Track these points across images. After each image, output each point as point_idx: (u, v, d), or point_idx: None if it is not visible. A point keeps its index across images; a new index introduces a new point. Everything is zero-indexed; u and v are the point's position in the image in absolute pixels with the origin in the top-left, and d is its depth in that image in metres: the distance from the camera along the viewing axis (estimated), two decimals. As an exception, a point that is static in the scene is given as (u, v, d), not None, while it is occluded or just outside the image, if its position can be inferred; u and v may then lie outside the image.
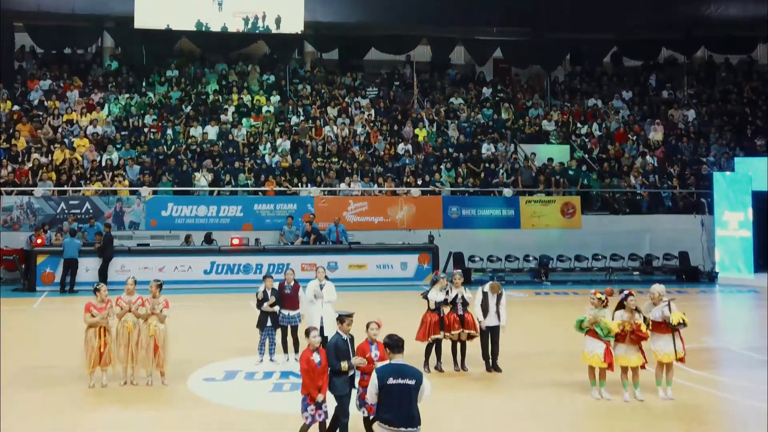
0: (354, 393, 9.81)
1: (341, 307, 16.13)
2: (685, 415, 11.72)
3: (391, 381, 7.94)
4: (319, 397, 9.52)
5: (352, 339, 9.96)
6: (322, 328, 14.07)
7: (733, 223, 27.20)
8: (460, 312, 14.17)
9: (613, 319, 12.29)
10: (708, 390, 13.08)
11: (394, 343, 8.28)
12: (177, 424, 11.21)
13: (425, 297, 14.22)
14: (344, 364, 9.60)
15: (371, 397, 8.15)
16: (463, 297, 14.19)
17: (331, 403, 9.78)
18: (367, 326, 9.99)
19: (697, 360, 14.49)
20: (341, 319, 10.02)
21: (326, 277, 14.87)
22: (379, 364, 8.70)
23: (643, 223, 28.94)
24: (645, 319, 12.37)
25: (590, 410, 11.96)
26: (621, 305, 12.37)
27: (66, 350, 14.64)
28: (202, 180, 27.66)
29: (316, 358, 9.58)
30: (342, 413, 9.69)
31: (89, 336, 12.85)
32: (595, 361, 12.26)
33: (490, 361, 14.18)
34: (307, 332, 9.87)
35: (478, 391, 13.12)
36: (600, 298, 12.39)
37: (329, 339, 9.99)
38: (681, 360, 12.45)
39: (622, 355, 12.24)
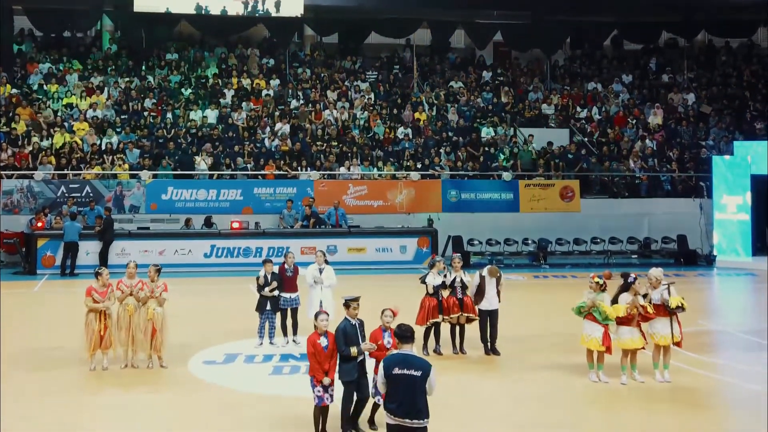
0: (370, 380, 9.80)
1: (341, 290, 16.23)
2: (683, 398, 11.81)
3: (396, 371, 7.83)
4: (326, 381, 9.53)
5: (361, 324, 9.91)
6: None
7: (731, 206, 27.26)
8: (459, 295, 14.24)
9: (617, 303, 12.36)
10: (705, 373, 13.16)
11: (403, 333, 8.12)
12: (177, 407, 11.31)
13: (423, 281, 14.30)
14: (353, 350, 9.56)
15: (380, 386, 8.12)
16: (462, 280, 14.27)
17: (338, 389, 9.79)
18: (382, 313, 9.94)
19: (695, 343, 14.57)
20: (347, 303, 9.96)
21: (326, 261, 14.93)
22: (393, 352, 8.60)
23: (641, 207, 29.01)
24: (643, 296, 12.44)
25: (588, 393, 12.05)
26: (625, 288, 12.42)
27: (67, 333, 14.72)
28: (202, 164, 27.70)
29: (323, 341, 9.60)
30: (347, 399, 9.71)
31: (90, 319, 12.95)
32: (594, 344, 12.34)
33: (489, 344, 14.28)
34: (316, 316, 9.88)
35: (476, 374, 13.22)
36: (598, 282, 12.45)
37: (337, 324, 9.99)
38: (678, 344, 12.53)
39: (628, 338, 12.30)
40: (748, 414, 11.26)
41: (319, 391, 9.60)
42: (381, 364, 8.13)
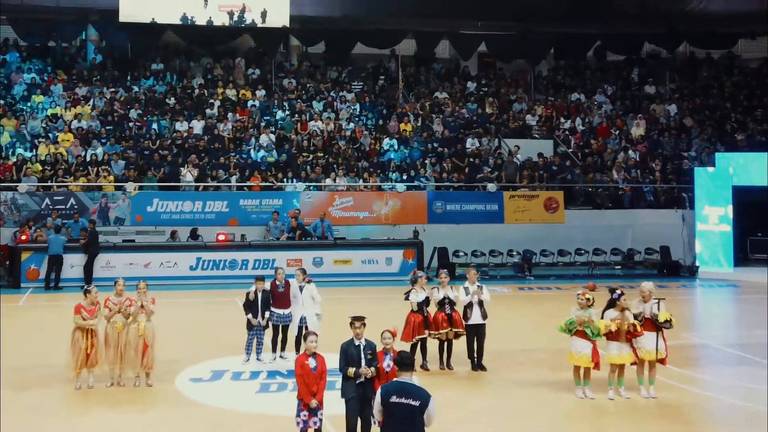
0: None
1: (327, 303, 16.31)
2: (668, 413, 11.93)
3: (394, 399, 7.57)
4: (313, 403, 9.32)
5: (370, 345, 9.63)
6: (300, 328, 14.24)
7: (713, 217, 27.56)
8: (448, 311, 14.32)
9: (603, 318, 12.45)
10: (689, 388, 13.31)
11: (402, 361, 7.89)
12: (164, 425, 11.32)
13: (407, 298, 14.34)
14: (351, 371, 9.41)
15: (376, 413, 7.89)
16: (448, 297, 14.35)
17: (332, 409, 9.70)
18: (381, 335, 9.70)
19: (679, 357, 14.72)
20: (351, 322, 9.73)
21: (307, 280, 14.77)
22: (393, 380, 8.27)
23: (625, 218, 29.21)
24: (635, 316, 12.53)
25: (575, 409, 12.16)
26: (611, 304, 12.53)
27: (52, 349, 14.64)
28: (188, 175, 27.68)
29: (311, 363, 9.40)
30: (350, 414, 9.48)
31: (76, 337, 12.90)
32: (584, 361, 12.38)
33: (475, 360, 14.36)
34: (305, 336, 9.72)
35: (463, 389, 13.30)
36: (588, 299, 12.53)
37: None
38: (662, 361, 12.64)
39: (616, 353, 12.40)
40: (732, 429, 11.40)
41: (304, 416, 9.40)
42: (378, 392, 7.89)
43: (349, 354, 9.56)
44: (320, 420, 9.51)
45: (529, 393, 12.92)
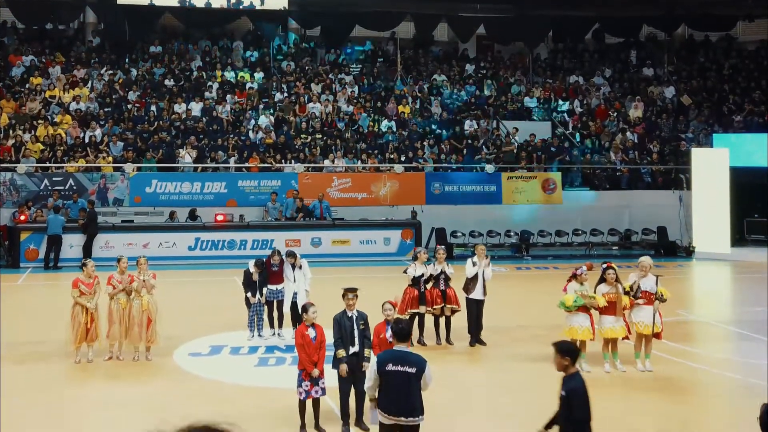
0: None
1: (326, 282, 16.39)
2: (664, 386, 12.05)
3: (390, 367, 7.63)
4: (315, 372, 9.45)
5: (362, 316, 9.76)
6: (294, 303, 14.37)
7: (710, 198, 27.61)
8: (443, 287, 14.42)
9: (596, 293, 12.59)
10: (685, 362, 13.43)
11: (399, 331, 7.97)
12: (164, 398, 11.39)
13: (406, 272, 14.47)
14: (340, 352, 9.51)
15: (368, 381, 7.94)
16: (444, 272, 14.44)
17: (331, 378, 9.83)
18: (383, 306, 9.82)
19: (675, 333, 14.85)
20: (343, 294, 9.85)
21: (299, 265, 14.82)
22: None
23: (622, 199, 29.28)
24: (626, 291, 12.66)
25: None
26: (602, 279, 12.66)
27: (51, 326, 14.73)
28: (187, 157, 27.73)
29: (311, 333, 9.54)
30: (343, 392, 9.67)
31: (76, 312, 13.04)
32: (585, 334, 12.52)
33: (474, 335, 14.45)
34: (305, 308, 9.83)
35: (461, 364, 13.42)
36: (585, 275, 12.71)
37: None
38: (657, 335, 12.76)
39: (609, 327, 12.54)
40: (726, 402, 11.52)
41: (306, 386, 9.55)
42: (373, 360, 7.97)
43: (342, 325, 9.66)
44: (322, 389, 9.64)
45: (526, 367, 13.03)
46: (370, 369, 7.97)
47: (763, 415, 5.41)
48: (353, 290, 9.89)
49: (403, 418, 7.63)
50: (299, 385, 9.62)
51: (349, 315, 9.75)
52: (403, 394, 7.62)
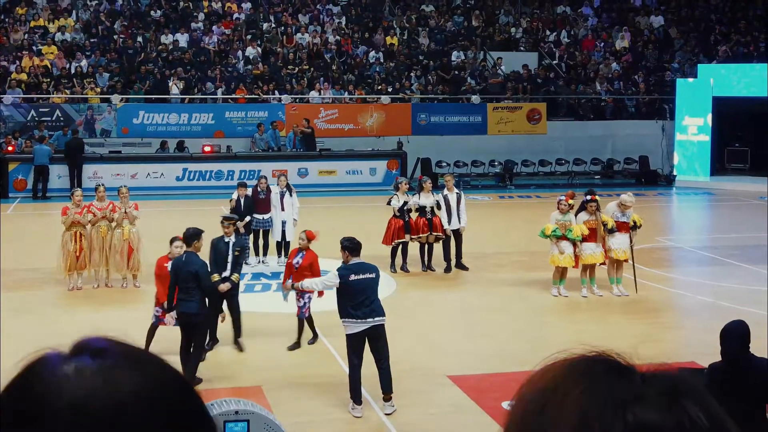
0: (292, 295, 10.39)
1: (312, 211, 16.72)
2: (639, 308, 12.56)
3: (353, 278, 8.45)
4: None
5: (240, 242, 10.98)
6: (284, 231, 14.77)
7: (692, 128, 27.91)
8: (429, 216, 14.78)
9: (576, 221, 12.99)
10: (661, 287, 13.93)
11: (354, 246, 8.75)
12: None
13: (389, 203, 14.82)
14: (215, 277, 10.08)
15: (319, 285, 9.14)
16: (435, 201, 14.79)
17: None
18: (299, 235, 10.84)
19: (652, 258, 15.34)
20: (221, 221, 10.85)
21: (288, 186, 15.21)
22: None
23: (606, 129, 29.48)
24: (604, 224, 13.07)
25: (550, 305, 12.77)
26: (582, 207, 13.05)
27: (41, 255, 15.00)
28: (174, 88, 27.75)
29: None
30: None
31: (65, 240, 13.36)
32: (568, 261, 12.95)
33: (454, 261, 14.88)
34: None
35: (443, 289, 13.89)
36: (570, 204, 13.07)
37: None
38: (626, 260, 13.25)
39: (589, 253, 12.95)
40: (699, 321, 12.01)
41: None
42: (333, 274, 8.68)
43: (218, 249, 10.48)
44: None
45: (506, 291, 13.51)
46: (328, 280, 8.78)
47: (722, 331, 5.83)
48: (231, 219, 11.01)
49: (371, 319, 8.39)
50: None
51: (226, 240, 10.54)
52: (371, 297, 8.48)
